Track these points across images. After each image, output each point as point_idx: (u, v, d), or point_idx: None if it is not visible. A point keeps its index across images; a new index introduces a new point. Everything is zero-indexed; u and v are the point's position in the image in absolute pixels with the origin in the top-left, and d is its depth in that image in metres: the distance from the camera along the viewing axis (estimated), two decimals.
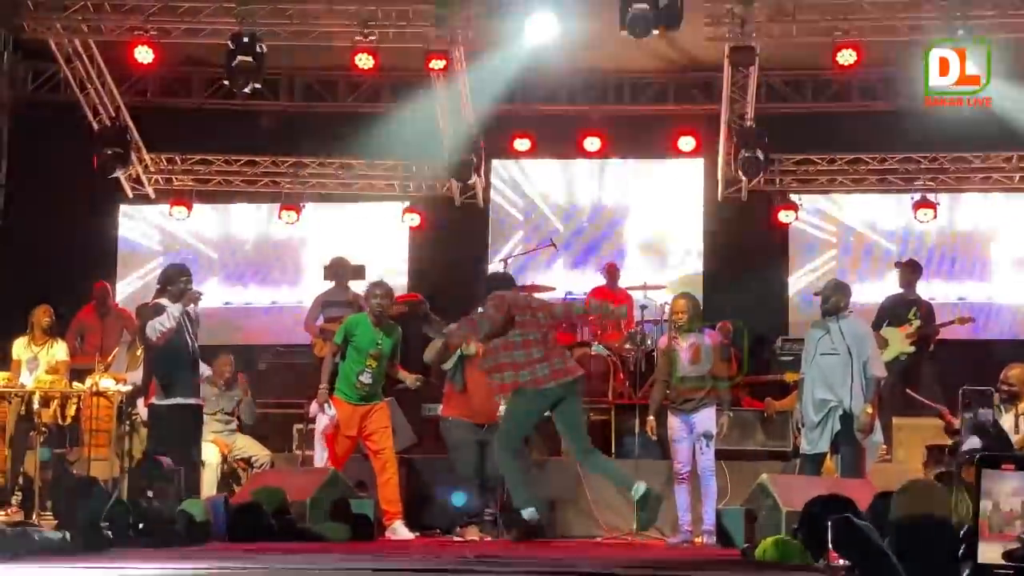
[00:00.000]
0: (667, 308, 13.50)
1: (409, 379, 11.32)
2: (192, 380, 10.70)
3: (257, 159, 17.38)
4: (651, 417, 11.23)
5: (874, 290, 15.56)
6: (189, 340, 10.60)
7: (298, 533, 9.50)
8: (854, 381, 10.54)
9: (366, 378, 10.99)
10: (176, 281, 10.57)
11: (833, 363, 10.63)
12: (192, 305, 10.64)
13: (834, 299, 10.81)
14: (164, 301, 10.47)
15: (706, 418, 10.91)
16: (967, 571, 5.03)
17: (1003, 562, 5.09)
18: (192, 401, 10.61)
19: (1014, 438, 10.18)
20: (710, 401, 10.94)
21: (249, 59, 14.40)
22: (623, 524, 11.67)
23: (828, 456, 10.74)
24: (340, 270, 14.42)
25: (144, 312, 10.79)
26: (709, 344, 10.99)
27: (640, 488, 9.77)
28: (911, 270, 14.16)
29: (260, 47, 14.43)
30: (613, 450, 13.06)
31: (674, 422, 11.00)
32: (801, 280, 16.55)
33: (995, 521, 5.05)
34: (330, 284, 14.49)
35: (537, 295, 12.32)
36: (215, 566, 6.56)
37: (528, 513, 10.02)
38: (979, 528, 5.06)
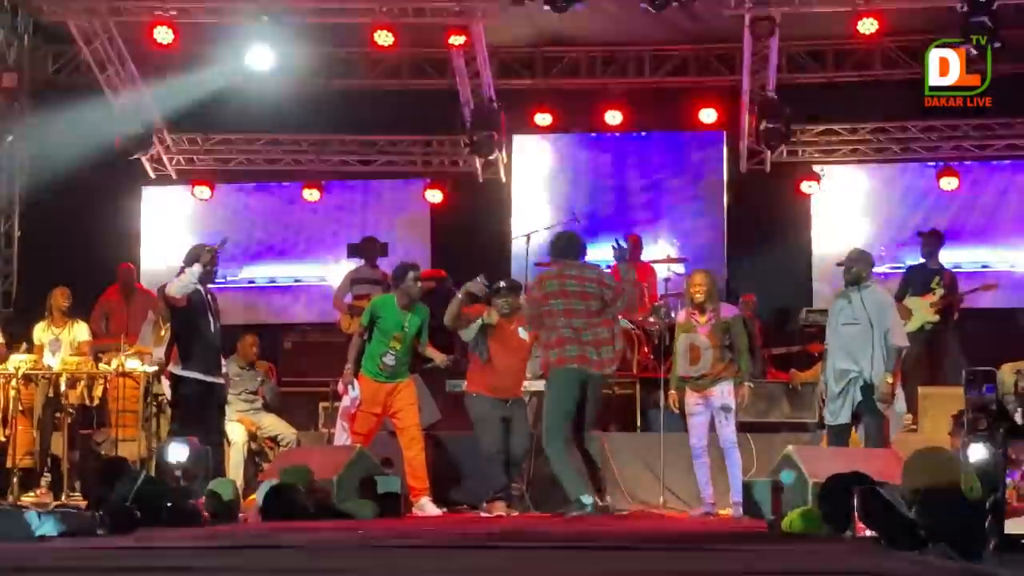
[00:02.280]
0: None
1: (439, 358, 11.37)
2: (212, 358, 10.73)
3: (278, 138, 17.39)
4: (673, 391, 11.23)
5: (897, 260, 15.53)
6: (211, 317, 10.64)
7: (326, 511, 9.54)
8: (875, 351, 10.52)
9: (389, 360, 11.03)
10: (202, 256, 10.62)
11: (854, 333, 10.63)
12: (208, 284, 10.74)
13: (856, 269, 10.78)
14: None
15: (723, 392, 10.89)
16: (994, 542, 5.02)
17: None
18: (210, 379, 10.63)
19: None
20: (727, 375, 10.92)
21: (268, 37, 14.44)
22: (650, 498, 11.68)
23: (852, 427, 10.74)
24: (370, 248, 14.48)
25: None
26: (708, 343, 10.95)
27: (586, 500, 10.03)
28: (934, 239, 14.13)
29: (279, 25, 14.43)
30: (638, 424, 13.07)
31: (690, 397, 10.99)
32: (824, 251, 16.48)
33: (1022, 492, 5.04)
34: (355, 261, 14.55)
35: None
36: (243, 545, 6.59)
37: (587, 499, 10.09)
38: (1006, 499, 5.05)
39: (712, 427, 10.99)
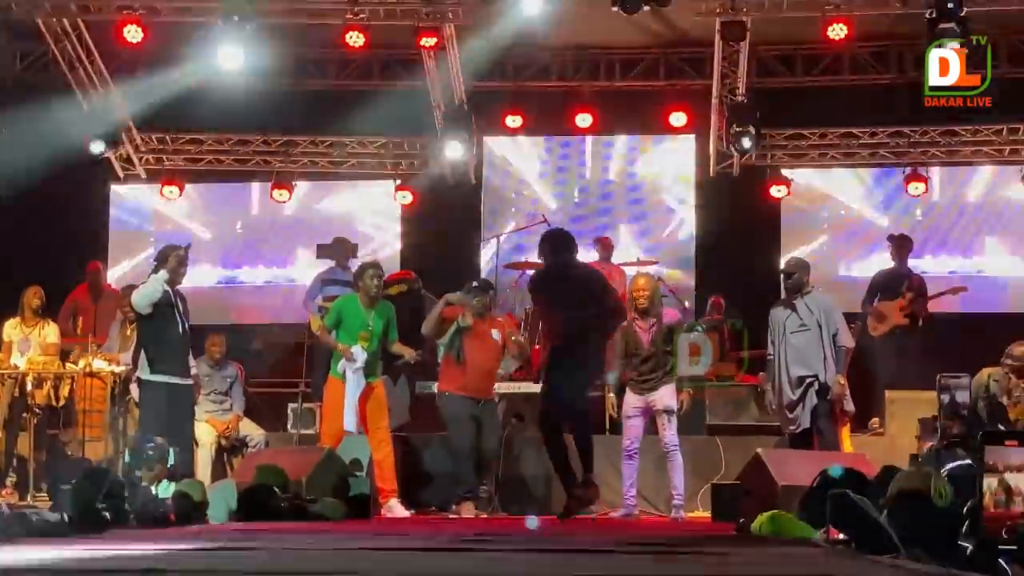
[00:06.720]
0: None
1: (408, 353, 11.36)
2: (181, 360, 10.70)
3: (248, 138, 17.33)
4: (612, 395, 11.32)
5: (866, 264, 15.58)
6: (179, 319, 10.61)
7: (295, 512, 9.50)
8: (826, 354, 10.76)
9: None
10: (170, 260, 10.58)
11: (806, 338, 10.86)
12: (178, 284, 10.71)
13: (797, 276, 11.13)
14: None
15: (665, 395, 10.88)
16: (971, 547, 5.04)
17: (1007, 538, 5.10)
18: (178, 380, 10.60)
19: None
20: (669, 378, 10.93)
21: (239, 37, 14.37)
22: (618, 500, 11.68)
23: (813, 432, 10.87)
24: (340, 249, 14.44)
25: (130, 292, 10.84)
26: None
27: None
28: (903, 244, 14.22)
29: (249, 25, 14.37)
30: (607, 427, 13.07)
31: (630, 399, 11.00)
32: (793, 254, 16.49)
33: (999, 497, 5.06)
34: (324, 262, 14.52)
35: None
36: (212, 547, 6.55)
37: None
38: (983, 504, 5.06)
39: (647, 430, 11.03)
